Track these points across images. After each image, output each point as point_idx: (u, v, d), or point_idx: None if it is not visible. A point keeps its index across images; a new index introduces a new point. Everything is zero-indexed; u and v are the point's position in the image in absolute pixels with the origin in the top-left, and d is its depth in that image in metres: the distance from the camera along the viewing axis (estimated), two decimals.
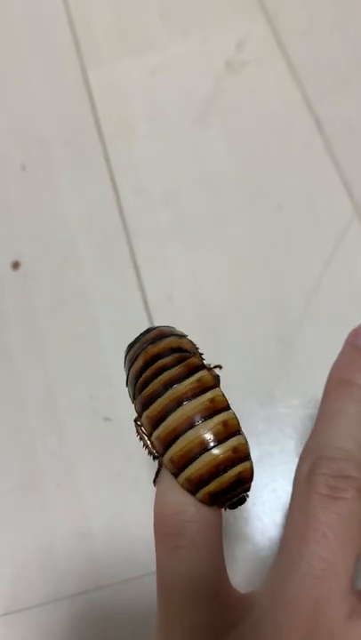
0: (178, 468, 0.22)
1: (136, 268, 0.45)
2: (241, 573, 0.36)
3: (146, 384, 0.23)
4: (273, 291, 0.44)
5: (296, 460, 0.24)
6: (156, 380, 0.23)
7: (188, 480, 0.22)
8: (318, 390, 0.40)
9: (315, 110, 0.49)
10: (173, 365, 0.23)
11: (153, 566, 0.36)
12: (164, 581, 0.23)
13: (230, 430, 0.22)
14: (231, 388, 0.40)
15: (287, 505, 0.32)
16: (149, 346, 0.25)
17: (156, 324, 0.43)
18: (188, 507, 0.22)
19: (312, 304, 0.43)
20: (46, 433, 0.40)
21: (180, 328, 0.43)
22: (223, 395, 0.23)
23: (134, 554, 0.37)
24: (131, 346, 0.26)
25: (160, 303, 0.44)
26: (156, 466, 0.24)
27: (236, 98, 0.50)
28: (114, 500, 0.38)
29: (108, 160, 0.49)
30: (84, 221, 0.47)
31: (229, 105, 0.50)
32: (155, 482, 0.24)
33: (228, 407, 0.23)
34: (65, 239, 0.47)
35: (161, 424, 0.22)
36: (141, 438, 0.24)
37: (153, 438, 0.22)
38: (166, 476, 0.23)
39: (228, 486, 0.22)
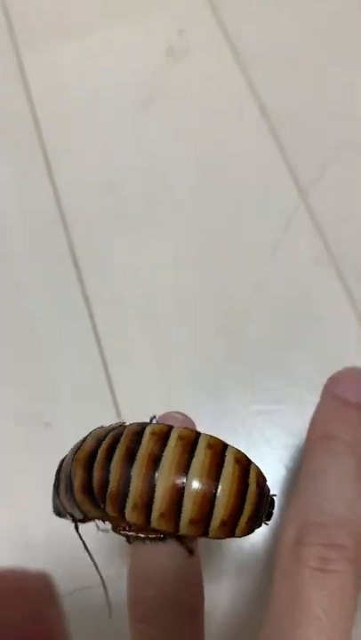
0: (203, 525, 0.19)
1: (75, 261, 0.43)
2: None
3: (105, 483, 0.19)
4: (220, 282, 0.42)
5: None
6: (112, 467, 0.19)
7: (223, 524, 0.19)
8: (267, 384, 0.39)
9: (260, 96, 0.48)
10: (117, 442, 0.20)
11: (107, 572, 0.35)
12: None
13: (219, 449, 0.20)
14: (177, 384, 0.39)
15: None
16: (76, 454, 0.21)
17: (98, 321, 0.41)
18: (166, 591, 0.20)
19: (259, 295, 0.41)
20: None
21: (124, 324, 0.42)
22: (185, 427, 0.20)
23: (80, 563, 0.35)
24: (56, 483, 0.22)
25: (102, 298, 0.42)
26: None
27: (179, 84, 0.49)
28: None
29: (44, 148, 0.47)
30: (18, 214, 0.45)
31: (172, 91, 0.49)
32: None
33: (198, 433, 0.20)
34: None
35: (153, 504, 0.19)
36: (135, 539, 0.20)
37: (154, 523, 0.19)
38: (138, 554, 0.20)
39: (257, 502, 0.19)
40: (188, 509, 0.19)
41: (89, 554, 0.23)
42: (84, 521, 0.22)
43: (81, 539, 0.23)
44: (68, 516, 0.22)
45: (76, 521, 0.22)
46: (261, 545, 0.35)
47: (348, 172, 0.45)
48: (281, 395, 0.38)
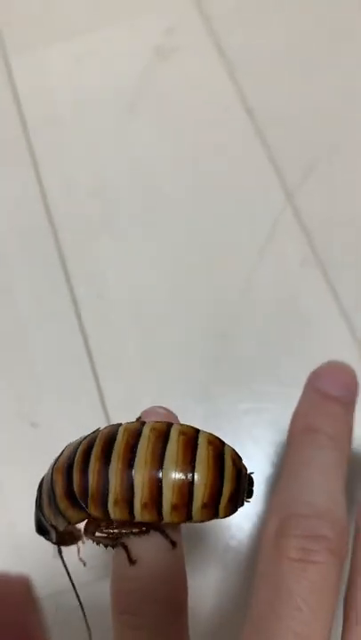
0: (185, 510, 0.19)
1: (63, 264, 0.43)
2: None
3: (85, 484, 0.20)
4: (208, 284, 0.42)
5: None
6: (90, 468, 0.19)
7: (205, 507, 0.19)
8: (255, 384, 0.39)
9: (246, 97, 0.48)
10: (93, 445, 0.20)
11: (86, 577, 0.35)
12: None
13: (191, 435, 0.20)
14: (167, 385, 0.40)
15: None
16: (55, 464, 0.21)
17: (86, 323, 0.41)
18: (149, 585, 0.20)
19: (247, 296, 0.42)
20: None
21: (112, 327, 0.42)
22: (158, 421, 0.21)
23: (68, 563, 0.35)
24: (38, 498, 0.22)
25: (89, 302, 0.42)
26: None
27: (167, 85, 0.49)
28: None
29: (32, 152, 0.47)
30: (6, 217, 0.45)
31: (160, 92, 0.49)
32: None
33: (170, 424, 0.20)
34: None
35: (134, 497, 0.19)
36: (119, 535, 0.20)
37: (138, 515, 0.19)
38: (122, 549, 0.20)
39: (235, 482, 0.20)
40: (169, 497, 0.19)
41: (68, 575, 0.23)
42: (65, 542, 0.23)
43: (63, 562, 0.23)
44: (52, 531, 0.22)
45: (58, 543, 0.22)
46: (247, 542, 0.35)
47: (334, 175, 0.45)
48: (269, 394, 0.38)
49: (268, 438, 0.37)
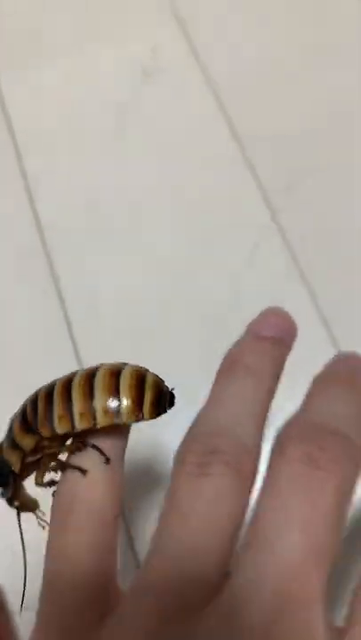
0: (115, 413, 0.22)
1: (55, 279, 0.44)
2: None
3: (35, 414, 0.23)
4: (197, 294, 0.44)
5: None
6: (38, 403, 0.23)
7: (130, 412, 0.22)
8: None
9: (230, 115, 0.49)
10: (37, 397, 0.23)
11: None
12: (47, 566, 0.21)
13: (118, 367, 0.23)
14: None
15: None
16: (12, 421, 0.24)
17: (77, 335, 0.42)
18: (80, 484, 0.21)
19: (236, 305, 0.43)
20: None
21: (103, 338, 0.42)
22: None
23: None
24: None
25: (82, 314, 0.43)
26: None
27: (153, 104, 0.50)
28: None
29: (23, 172, 0.48)
30: None
31: (147, 111, 0.50)
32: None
33: (99, 365, 0.23)
34: None
35: (73, 411, 0.22)
36: (60, 452, 0.23)
37: (77, 423, 0.22)
38: (63, 477, 0.22)
39: (156, 388, 0.22)
40: (100, 404, 0.22)
41: (22, 545, 0.25)
42: (23, 507, 0.25)
43: (19, 527, 0.25)
44: (9, 476, 0.24)
45: (18, 509, 0.25)
46: None
47: (319, 191, 0.46)
48: None
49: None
